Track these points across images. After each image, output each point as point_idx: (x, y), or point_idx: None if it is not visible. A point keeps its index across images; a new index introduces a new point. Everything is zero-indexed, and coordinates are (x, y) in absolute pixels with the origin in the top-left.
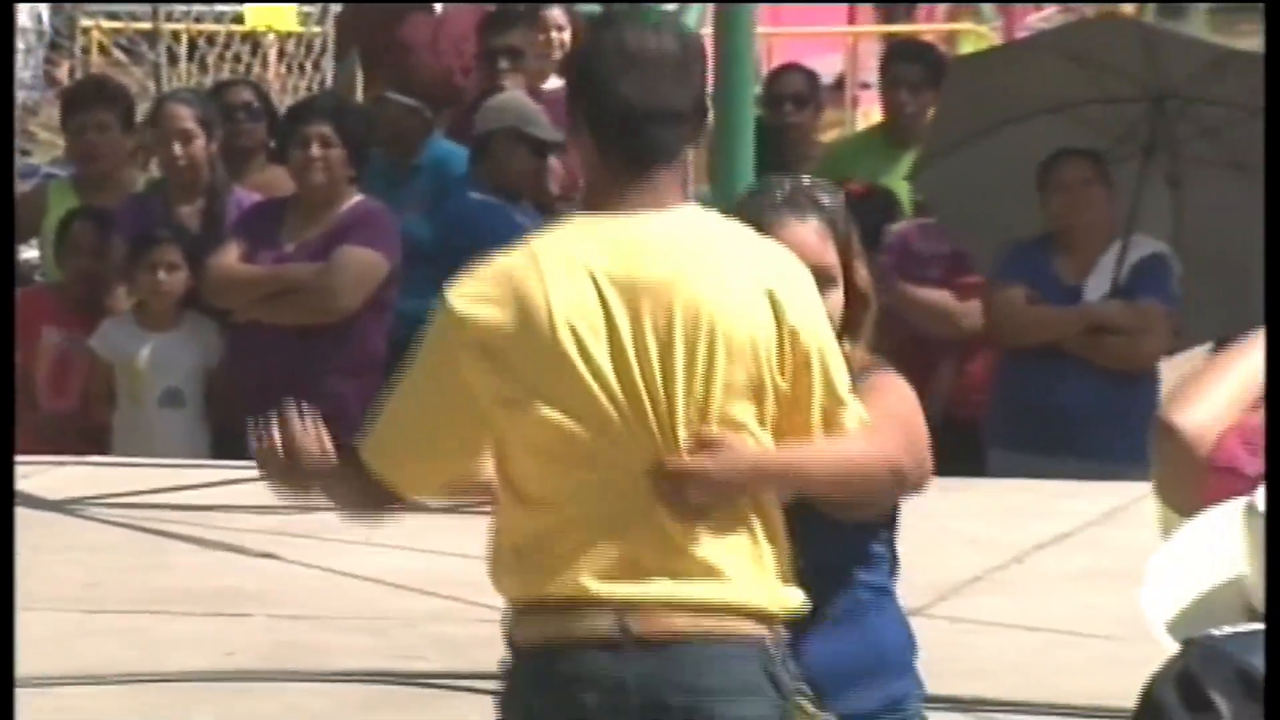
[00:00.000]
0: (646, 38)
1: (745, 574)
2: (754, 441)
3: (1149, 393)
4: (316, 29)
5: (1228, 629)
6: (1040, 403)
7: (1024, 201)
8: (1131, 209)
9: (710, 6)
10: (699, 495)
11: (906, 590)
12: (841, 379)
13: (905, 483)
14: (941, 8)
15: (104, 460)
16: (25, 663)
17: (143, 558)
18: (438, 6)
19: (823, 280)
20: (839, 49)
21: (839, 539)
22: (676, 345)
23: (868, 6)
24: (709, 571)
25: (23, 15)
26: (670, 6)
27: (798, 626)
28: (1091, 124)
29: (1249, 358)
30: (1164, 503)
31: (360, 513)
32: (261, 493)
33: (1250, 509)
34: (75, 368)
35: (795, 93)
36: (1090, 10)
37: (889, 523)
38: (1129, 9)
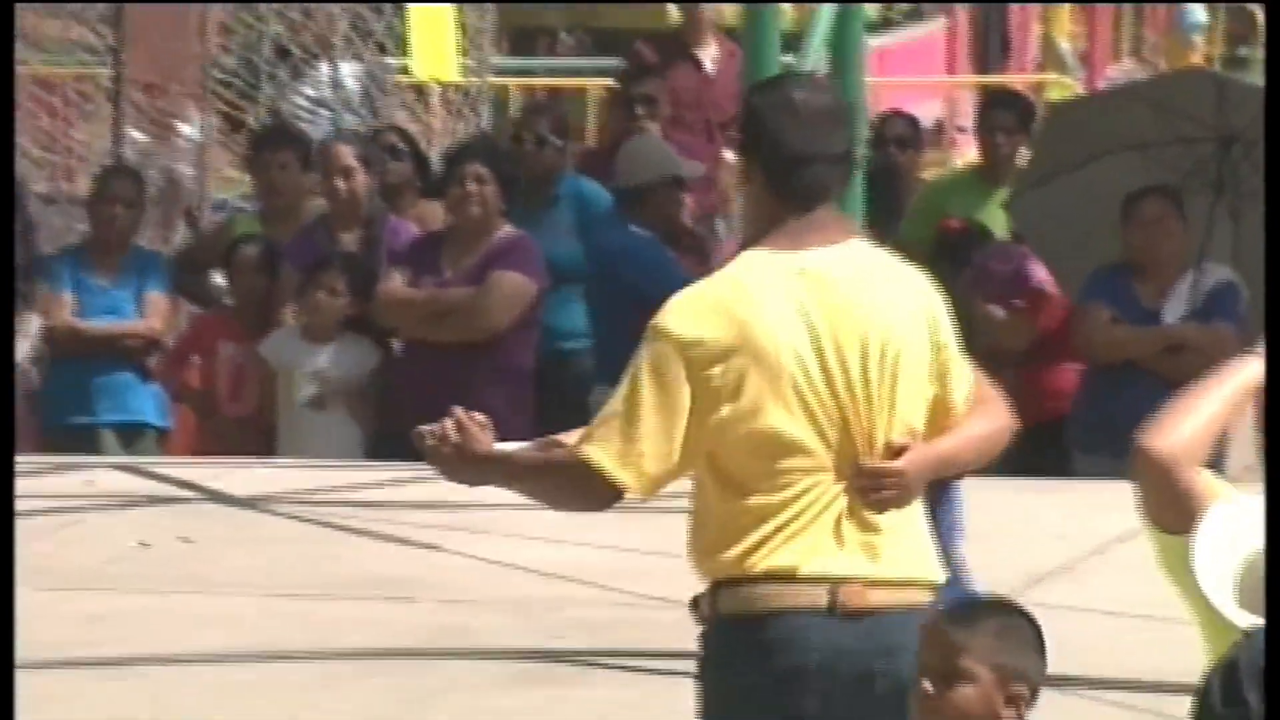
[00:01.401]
0: (809, 94)
1: (921, 553)
2: (924, 441)
3: None
4: (475, 80)
5: None
6: (1121, 413)
7: (1107, 230)
8: (1203, 239)
9: (825, 61)
10: (893, 496)
11: (999, 578)
12: (967, 381)
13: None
14: (1030, 61)
15: (283, 462)
16: (213, 640)
17: (318, 548)
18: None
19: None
20: (938, 96)
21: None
22: (871, 363)
23: (965, 58)
24: (892, 551)
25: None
26: (788, 60)
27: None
28: (1166, 162)
29: (1227, 383)
30: (1152, 524)
31: (558, 506)
32: (423, 491)
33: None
34: (249, 377)
35: (899, 135)
36: (1163, 63)
37: None
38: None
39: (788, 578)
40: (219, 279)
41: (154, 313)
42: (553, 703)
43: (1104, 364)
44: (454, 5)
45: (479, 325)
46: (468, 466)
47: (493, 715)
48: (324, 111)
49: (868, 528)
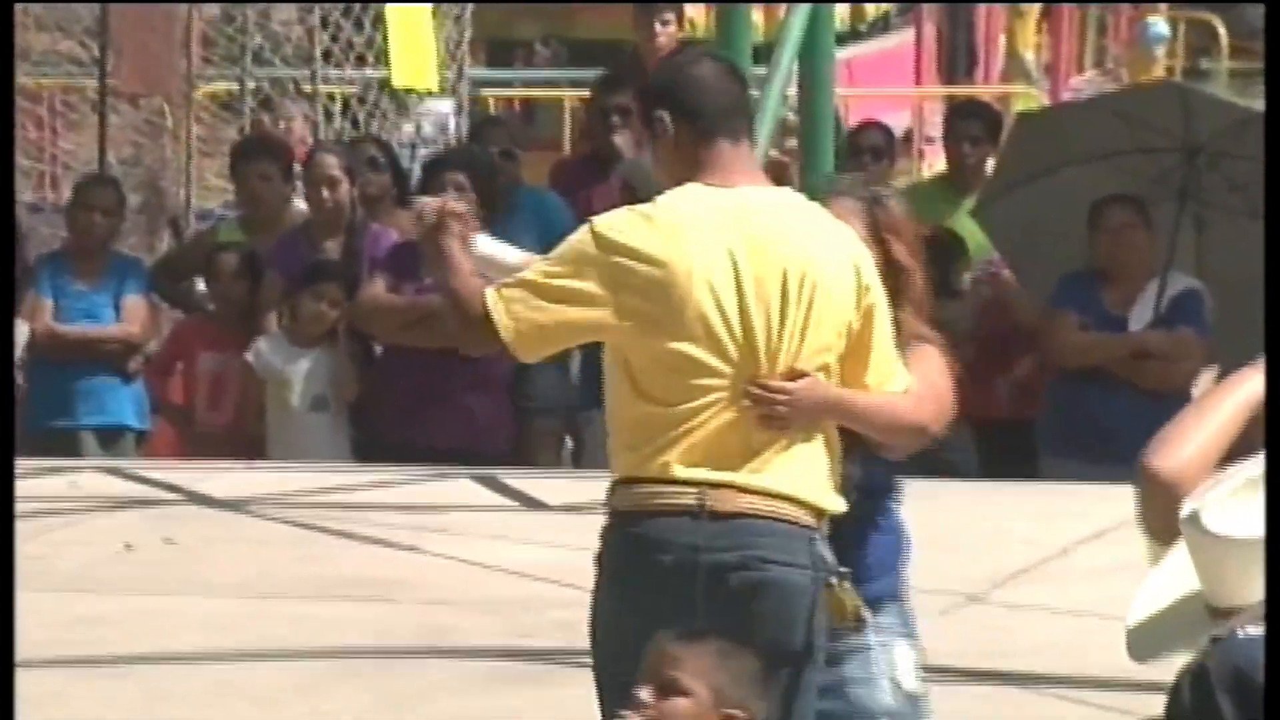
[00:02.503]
0: (718, 58)
1: (804, 476)
2: (830, 381)
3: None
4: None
5: (1251, 630)
6: (1087, 417)
7: (1073, 238)
8: (1168, 248)
9: (794, 72)
10: (780, 411)
11: (966, 580)
12: (890, 340)
13: (927, 440)
14: (995, 72)
15: (267, 465)
16: (197, 641)
17: (301, 550)
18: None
19: None
20: (906, 107)
21: (878, 466)
22: (790, 293)
23: (932, 69)
24: (775, 468)
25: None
26: (759, 71)
27: (836, 525)
28: (1132, 172)
29: (1229, 398)
30: (1151, 537)
31: (451, 320)
32: (404, 494)
33: (1189, 519)
34: (229, 387)
35: (874, 146)
36: (1125, 74)
37: (908, 460)
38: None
39: (666, 480)
40: (201, 286)
41: (132, 317)
42: (532, 702)
43: (1071, 369)
44: (432, 14)
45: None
46: (429, 242)
47: (473, 714)
48: (423, 149)
49: (757, 444)
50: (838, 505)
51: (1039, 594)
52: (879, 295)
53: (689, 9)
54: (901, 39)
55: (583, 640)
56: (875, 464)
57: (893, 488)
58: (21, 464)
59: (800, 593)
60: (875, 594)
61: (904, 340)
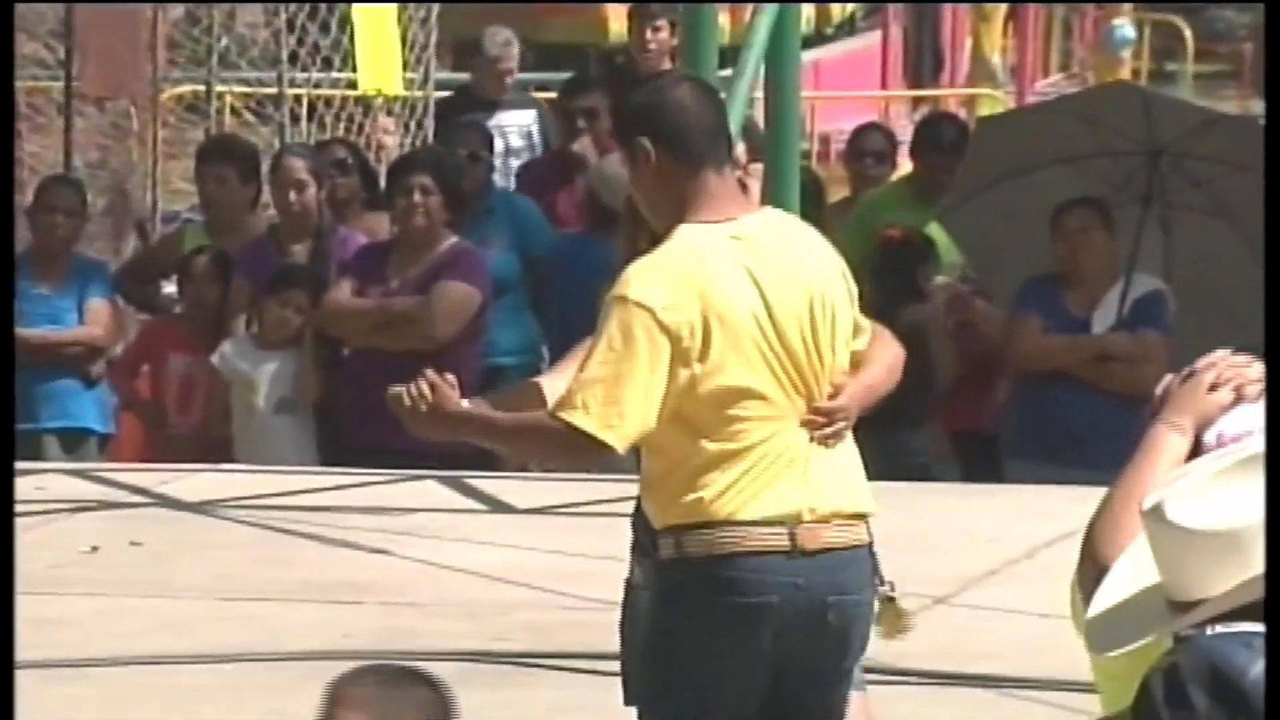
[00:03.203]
0: (696, 84)
1: (857, 488)
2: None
3: (1147, 412)
4: (419, 93)
5: (1220, 629)
6: (1051, 419)
7: (1037, 241)
8: (1132, 251)
9: (761, 74)
10: (841, 430)
11: (933, 581)
12: (866, 324)
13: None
14: (961, 75)
15: (233, 468)
16: (163, 643)
17: (267, 552)
18: None
19: None
20: (873, 109)
21: None
22: (817, 315)
23: (898, 72)
24: (839, 490)
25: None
26: (726, 73)
27: None
28: (1096, 175)
29: (1152, 476)
30: (1085, 597)
31: (539, 460)
32: (371, 496)
33: (1151, 511)
34: (198, 389)
35: (877, 151)
36: (1092, 78)
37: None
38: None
39: (752, 521)
40: (168, 289)
41: (95, 320)
42: (499, 704)
43: (1035, 372)
44: (398, 18)
45: (425, 334)
46: (440, 423)
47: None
48: (514, 161)
49: (819, 469)
50: (874, 505)
51: (1005, 595)
52: (853, 288)
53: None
54: (868, 42)
55: (552, 642)
56: None
57: None
58: None
59: (870, 613)
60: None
61: None
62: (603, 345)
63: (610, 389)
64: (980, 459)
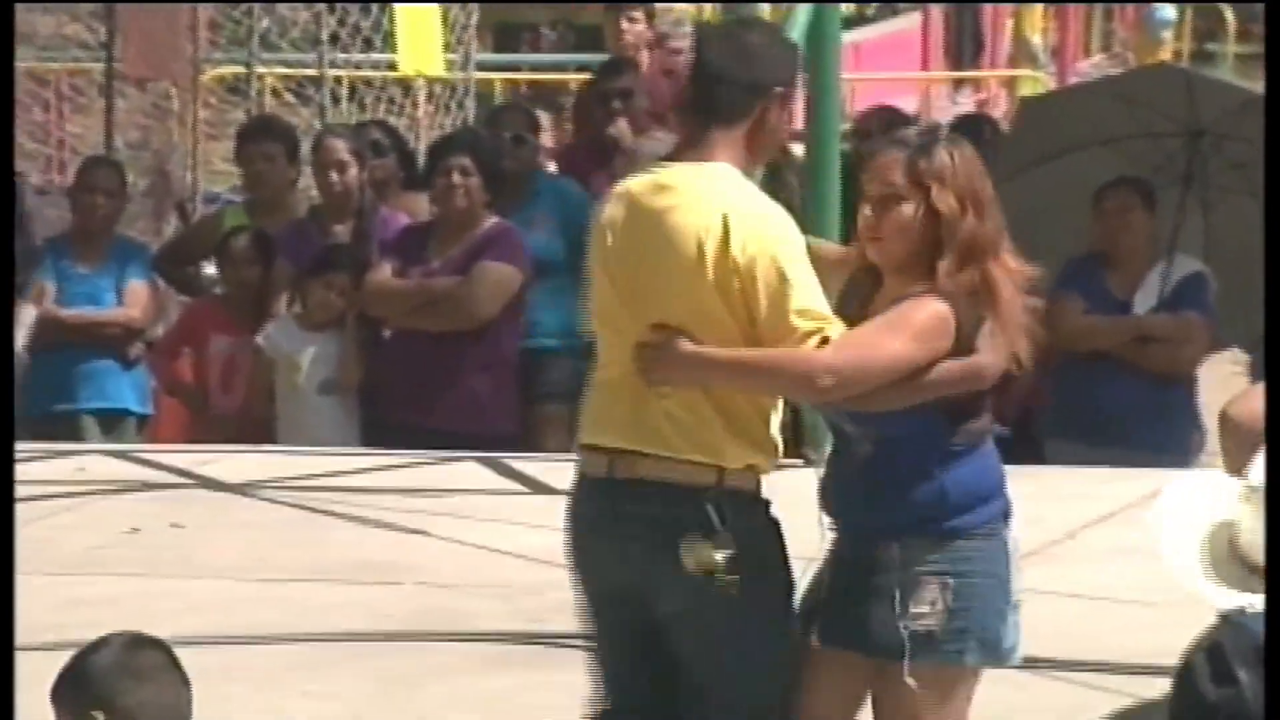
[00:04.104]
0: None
1: (697, 436)
2: (692, 341)
3: (1188, 394)
4: (460, 75)
5: (1260, 608)
6: (1093, 401)
7: (1078, 222)
8: (1172, 231)
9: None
10: (653, 373)
11: None
12: (785, 304)
13: (819, 392)
14: (1002, 56)
15: (272, 449)
16: (201, 623)
17: (306, 533)
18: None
19: (889, 198)
20: (913, 91)
21: (880, 418)
22: (660, 263)
23: (939, 53)
24: (669, 431)
25: None
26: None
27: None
28: (1136, 155)
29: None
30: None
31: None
32: (409, 477)
33: (1249, 490)
34: (240, 369)
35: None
36: (1133, 58)
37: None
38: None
39: (588, 448)
40: (208, 270)
41: (134, 301)
42: (535, 685)
43: (1075, 353)
44: (439, 1)
45: (466, 315)
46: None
47: (477, 697)
48: None
49: (649, 408)
50: (736, 461)
51: (1045, 577)
52: (766, 264)
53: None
54: (908, 23)
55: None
56: (872, 416)
57: (919, 433)
58: (27, 447)
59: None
60: (893, 529)
61: (917, 291)
62: (795, 270)
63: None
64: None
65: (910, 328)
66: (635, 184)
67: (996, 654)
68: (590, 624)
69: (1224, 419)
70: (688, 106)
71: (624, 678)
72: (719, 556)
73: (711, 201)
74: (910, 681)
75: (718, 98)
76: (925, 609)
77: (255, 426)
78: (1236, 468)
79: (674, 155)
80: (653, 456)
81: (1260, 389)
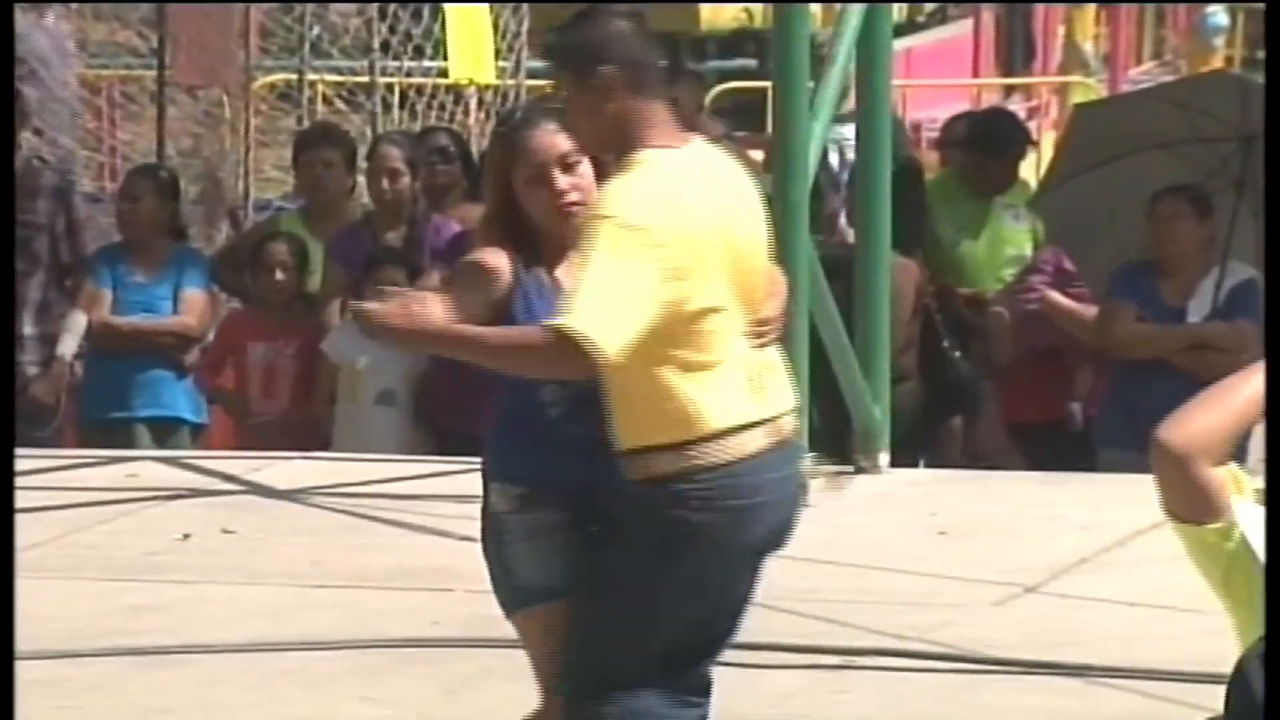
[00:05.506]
0: (629, 17)
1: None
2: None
3: None
4: (511, 81)
5: None
6: (1144, 409)
7: (1131, 227)
8: (1227, 237)
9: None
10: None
11: (1023, 570)
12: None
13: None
14: (1054, 62)
15: (323, 455)
16: (253, 630)
17: (356, 539)
18: None
19: (570, 166)
20: (965, 98)
21: None
22: (758, 237)
23: (990, 60)
24: (784, 391)
25: None
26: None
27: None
28: (1190, 160)
29: (1249, 381)
30: (1168, 515)
31: (525, 373)
32: (460, 484)
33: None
34: (281, 375)
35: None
36: (1184, 65)
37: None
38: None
39: (741, 428)
40: None
41: (189, 310)
42: None
43: (1128, 361)
44: (489, 7)
45: None
46: (415, 336)
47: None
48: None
49: (773, 370)
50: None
51: (1096, 584)
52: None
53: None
54: (960, 29)
55: None
56: None
57: None
58: (82, 454)
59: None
60: None
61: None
62: (592, 264)
63: (603, 302)
64: (1047, 450)
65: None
66: (703, 163)
67: None
68: None
69: (1156, 445)
70: (661, 86)
71: None
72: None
73: (747, 172)
74: None
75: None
76: None
77: (299, 432)
78: (1175, 514)
79: (671, 139)
80: None
81: (1198, 408)
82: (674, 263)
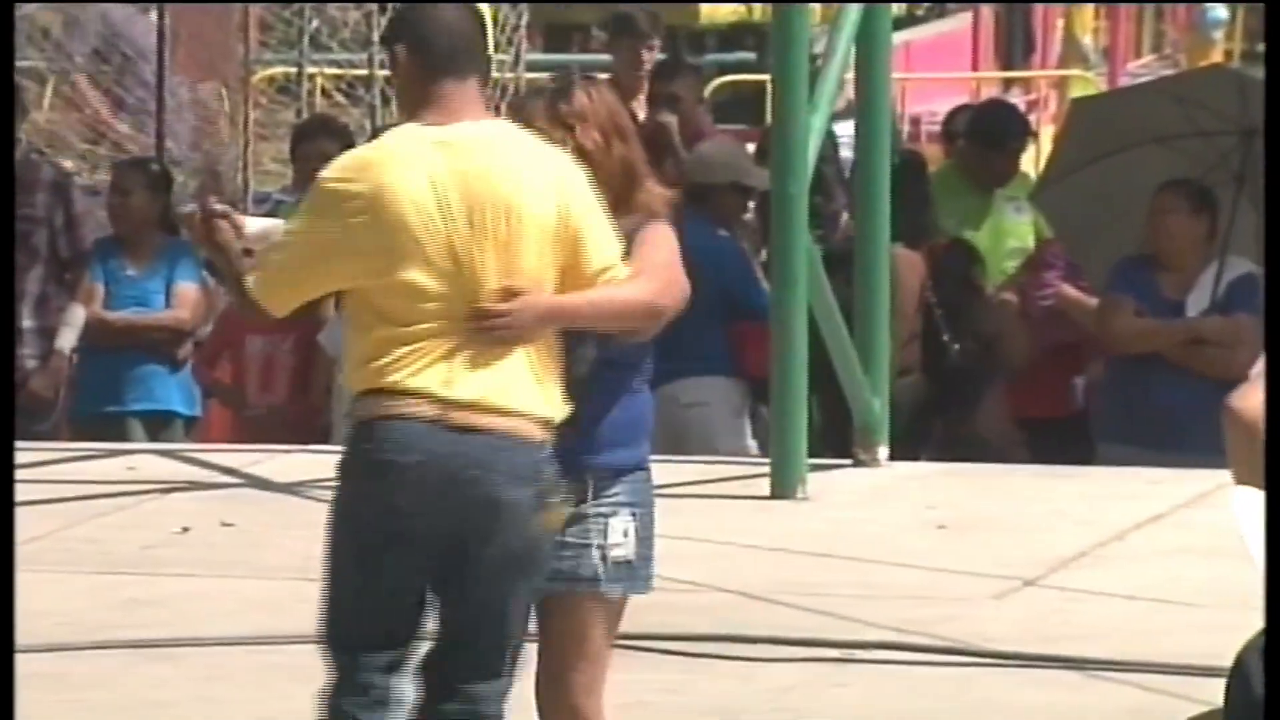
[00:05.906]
0: (459, 4)
1: (531, 390)
2: (547, 293)
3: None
4: (510, 74)
5: None
6: (1144, 403)
7: (1130, 221)
8: (1226, 232)
9: (852, 58)
10: (503, 331)
11: (1022, 563)
12: (604, 249)
13: (661, 317)
14: (1053, 56)
15: (322, 448)
16: (253, 623)
17: None
18: None
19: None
20: (964, 92)
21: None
22: (491, 221)
23: (989, 54)
24: (506, 385)
25: None
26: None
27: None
28: (1189, 155)
29: None
30: (1239, 483)
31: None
32: None
33: None
34: (279, 368)
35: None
36: (1184, 59)
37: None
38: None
39: (403, 392)
40: None
41: (182, 303)
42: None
43: (1127, 355)
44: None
45: None
46: (208, 246)
47: (524, 696)
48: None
49: (479, 362)
50: (560, 413)
51: (1096, 578)
52: (584, 208)
53: None
54: (959, 23)
55: (637, 625)
56: (612, 340)
57: (638, 362)
58: (76, 447)
59: (531, 512)
60: (613, 464)
61: (636, 221)
62: (292, 218)
63: (277, 254)
64: (1054, 444)
65: (669, 251)
66: (449, 140)
67: (651, 583)
68: None
69: (1228, 412)
70: (461, 67)
71: None
72: None
73: (545, 161)
74: (600, 609)
75: (478, 62)
76: (619, 539)
77: (296, 425)
78: (1243, 479)
79: (444, 116)
80: None
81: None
82: (361, 230)
